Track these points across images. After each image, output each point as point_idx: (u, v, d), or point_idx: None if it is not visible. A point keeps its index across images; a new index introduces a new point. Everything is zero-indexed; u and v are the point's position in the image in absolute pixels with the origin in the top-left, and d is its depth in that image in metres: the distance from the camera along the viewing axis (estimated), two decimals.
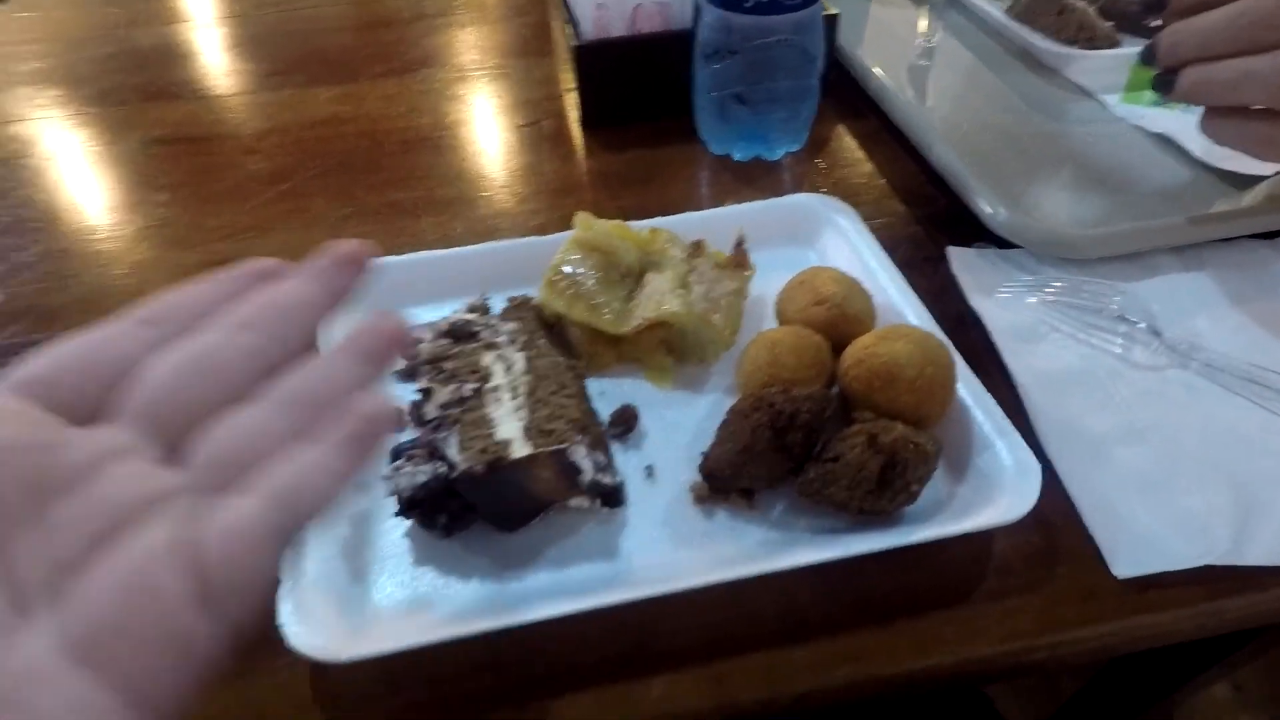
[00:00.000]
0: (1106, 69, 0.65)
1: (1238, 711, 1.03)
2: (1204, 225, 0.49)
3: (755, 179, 0.61)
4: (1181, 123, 0.58)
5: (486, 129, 0.70)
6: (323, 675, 0.33)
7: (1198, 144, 0.55)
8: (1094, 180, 0.54)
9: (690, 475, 0.39)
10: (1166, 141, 0.56)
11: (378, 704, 0.33)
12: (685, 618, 0.34)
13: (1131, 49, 0.66)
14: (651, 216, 0.51)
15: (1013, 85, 0.65)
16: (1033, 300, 0.47)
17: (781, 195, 0.54)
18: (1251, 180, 0.51)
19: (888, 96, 0.62)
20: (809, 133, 0.62)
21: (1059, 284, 0.47)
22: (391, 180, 0.64)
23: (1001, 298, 0.47)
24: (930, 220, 0.56)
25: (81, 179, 0.67)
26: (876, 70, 0.65)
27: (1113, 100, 0.62)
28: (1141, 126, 0.58)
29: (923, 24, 0.73)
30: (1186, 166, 0.54)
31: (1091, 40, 0.67)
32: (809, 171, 0.61)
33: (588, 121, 0.67)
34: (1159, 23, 0.67)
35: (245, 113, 0.74)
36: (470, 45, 0.84)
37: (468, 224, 0.59)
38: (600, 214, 0.49)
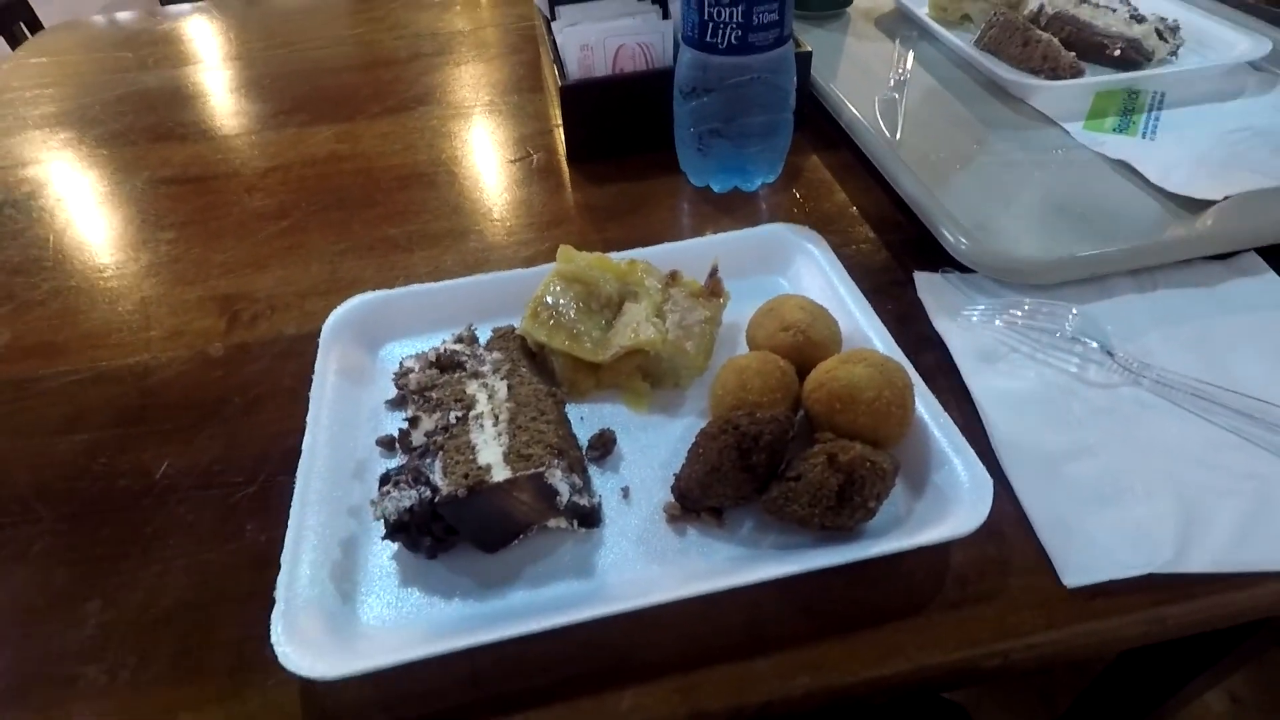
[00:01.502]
0: (1070, 98, 0.68)
1: None
2: (1156, 250, 0.52)
3: (733, 209, 0.63)
4: (1140, 149, 0.61)
5: (478, 164, 0.73)
6: (311, 692, 0.35)
7: (1154, 169, 0.57)
8: (1056, 206, 0.56)
9: (664, 495, 0.41)
10: (1125, 167, 0.59)
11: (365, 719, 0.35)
12: (657, 631, 0.36)
13: (1094, 78, 0.69)
14: (635, 246, 0.54)
15: (980, 115, 0.68)
16: (993, 322, 0.49)
17: (758, 225, 0.57)
18: (1204, 204, 0.54)
19: (859, 129, 0.65)
20: (784, 164, 0.65)
21: (1018, 306, 0.50)
22: (386, 215, 0.67)
23: (964, 320, 0.49)
24: (900, 247, 0.58)
25: (91, 218, 0.70)
26: (848, 104, 0.68)
27: (1075, 128, 0.64)
28: (1102, 153, 0.61)
29: (894, 57, 0.76)
30: (1143, 191, 0.56)
31: (1055, 70, 0.69)
32: (784, 201, 0.64)
33: (574, 157, 0.70)
34: (1119, 51, 0.70)
35: (248, 152, 0.78)
36: (465, 83, 0.88)
37: (458, 256, 0.61)
38: (586, 245, 0.51)
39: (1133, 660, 0.79)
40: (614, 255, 0.51)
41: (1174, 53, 0.71)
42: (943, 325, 0.49)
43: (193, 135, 0.81)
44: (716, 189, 0.65)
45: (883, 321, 0.47)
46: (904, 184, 0.58)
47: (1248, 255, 0.52)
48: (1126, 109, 0.67)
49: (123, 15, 1.14)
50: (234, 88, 0.91)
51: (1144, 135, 0.63)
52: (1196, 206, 0.54)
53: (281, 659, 0.33)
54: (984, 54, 0.73)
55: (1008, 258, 0.51)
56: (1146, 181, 0.57)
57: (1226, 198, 0.53)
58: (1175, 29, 0.72)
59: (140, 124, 0.84)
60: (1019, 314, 0.49)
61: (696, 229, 0.62)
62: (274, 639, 0.34)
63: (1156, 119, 0.65)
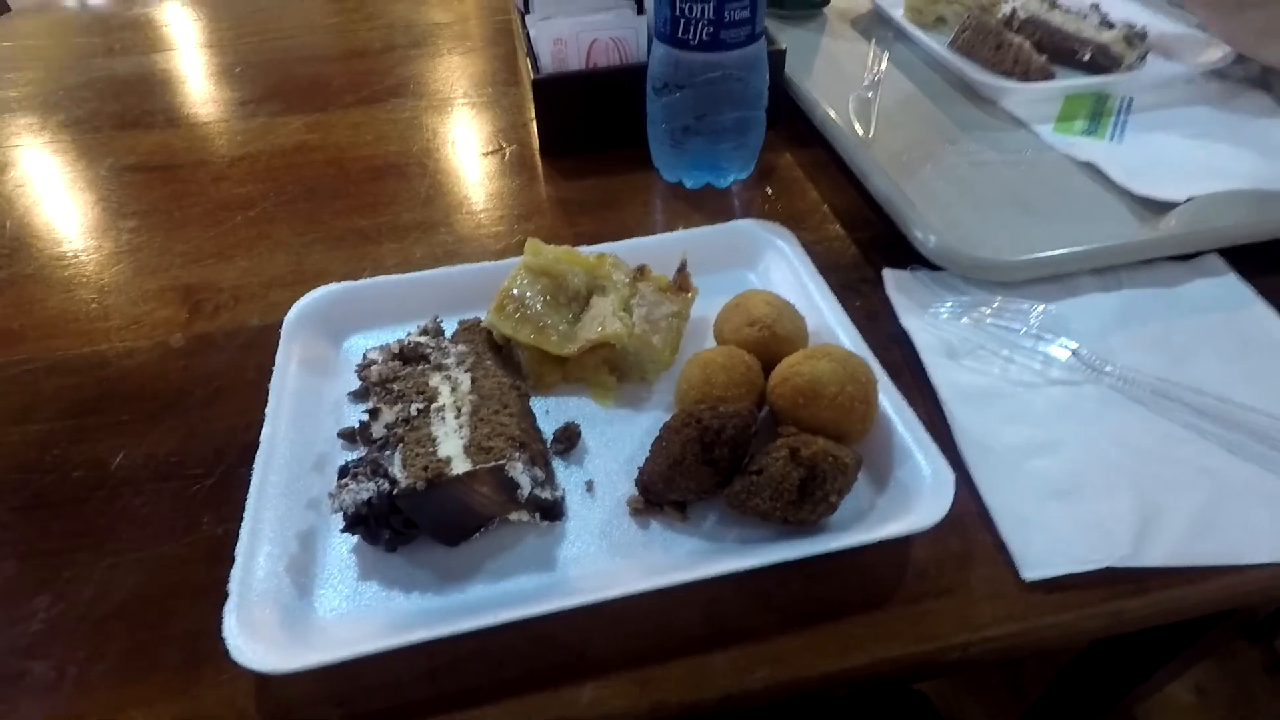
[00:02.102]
0: (1041, 100, 0.68)
1: (1201, 716, 1.05)
2: (1120, 251, 0.52)
3: (705, 205, 0.63)
4: (1107, 151, 0.61)
5: (451, 157, 0.73)
6: (265, 687, 0.35)
7: (1120, 171, 0.58)
8: (1023, 206, 0.57)
9: (628, 489, 0.41)
10: (1092, 169, 0.59)
11: (320, 714, 0.34)
12: (617, 626, 0.36)
13: (1065, 81, 0.70)
14: (607, 241, 0.53)
15: (952, 116, 0.68)
16: (960, 319, 0.49)
17: (729, 221, 0.57)
18: (1167, 206, 0.54)
19: (831, 127, 0.65)
20: (757, 161, 0.65)
21: (986, 304, 0.50)
22: (356, 207, 0.66)
23: (931, 317, 0.50)
24: (870, 244, 0.58)
25: (51, 205, 0.68)
26: (821, 102, 0.68)
27: (1045, 130, 0.65)
28: (1070, 155, 0.61)
29: (869, 57, 0.76)
30: (1109, 193, 0.57)
31: (1026, 73, 0.70)
32: (756, 198, 0.64)
33: (546, 151, 0.70)
34: (1089, 56, 0.71)
35: (217, 141, 0.76)
36: (440, 76, 0.87)
37: (428, 249, 0.61)
38: (558, 239, 0.51)
39: (1101, 651, 0.80)
40: (583, 249, 0.51)
41: (1142, 58, 0.72)
42: (910, 322, 0.49)
43: (159, 123, 0.79)
44: (689, 185, 0.65)
45: (851, 318, 0.47)
46: (874, 181, 0.58)
47: (1209, 257, 0.53)
48: (1095, 112, 0.67)
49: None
50: (203, 75, 0.89)
51: (1111, 138, 0.64)
52: (1160, 208, 0.55)
53: (232, 652, 0.33)
54: (958, 56, 0.74)
55: (975, 256, 0.52)
56: (1112, 183, 0.58)
57: (1189, 199, 0.54)
58: (1143, 36, 0.73)
59: (106, 110, 0.82)
60: (986, 311, 0.50)
61: (668, 224, 0.62)
62: (225, 632, 0.33)
63: (1124, 122, 0.66)
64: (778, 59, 0.68)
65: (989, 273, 0.52)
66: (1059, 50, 0.72)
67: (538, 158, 0.71)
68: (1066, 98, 0.69)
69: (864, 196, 0.61)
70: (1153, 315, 0.49)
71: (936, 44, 0.75)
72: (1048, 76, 0.70)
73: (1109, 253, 0.52)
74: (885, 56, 0.76)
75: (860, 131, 0.65)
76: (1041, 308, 0.49)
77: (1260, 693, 1.07)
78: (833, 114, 0.66)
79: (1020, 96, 0.68)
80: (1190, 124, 0.65)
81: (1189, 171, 0.58)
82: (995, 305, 0.50)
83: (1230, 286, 0.51)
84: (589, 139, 0.69)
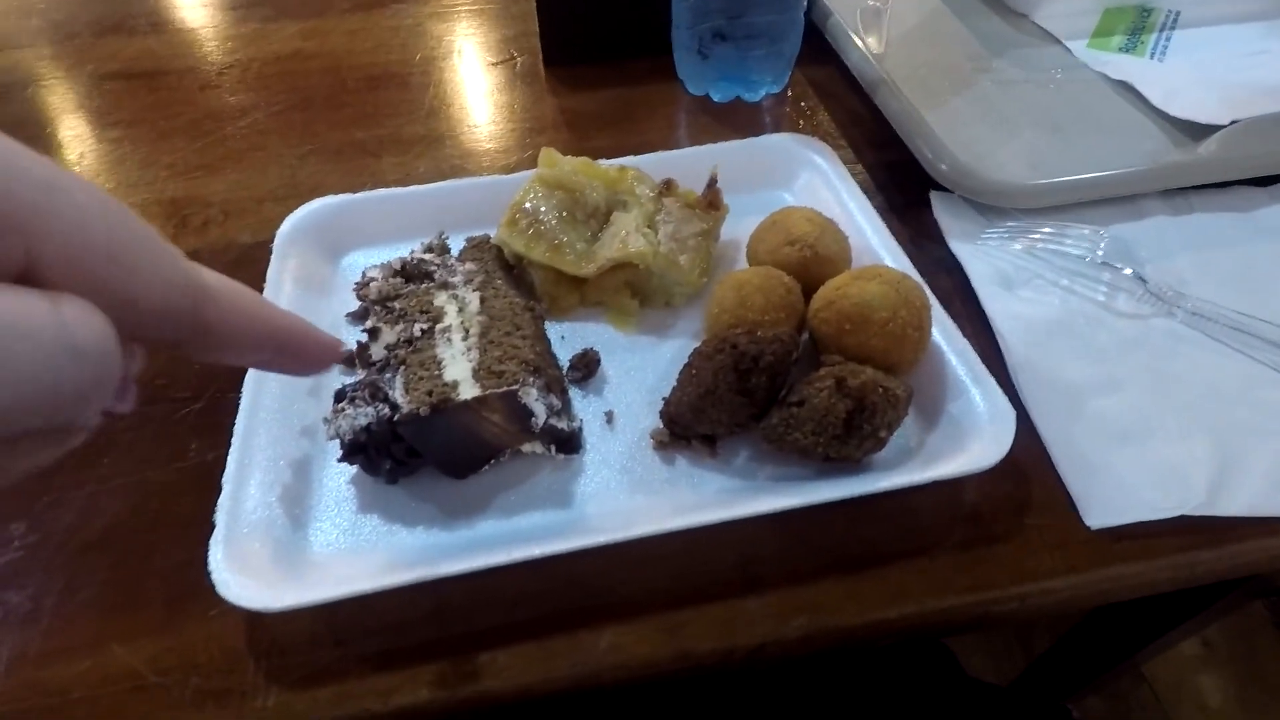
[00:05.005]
0: (1075, 13, 0.62)
1: (1206, 668, 1.04)
2: (1152, 176, 0.47)
3: (734, 121, 0.58)
4: (1145, 70, 0.55)
5: (457, 66, 0.67)
6: (257, 624, 0.32)
7: (1157, 92, 0.52)
8: (1050, 128, 0.51)
9: (652, 421, 0.37)
10: (1127, 89, 0.54)
11: (316, 655, 0.31)
12: (640, 567, 0.33)
13: None
14: (625, 157, 0.49)
15: (977, 31, 0.61)
16: (1016, 246, 0.45)
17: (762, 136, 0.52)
18: (1207, 130, 0.49)
19: (842, 39, 0.59)
20: (792, 73, 0.60)
21: (1044, 229, 0.45)
22: (354, 118, 0.61)
23: (984, 243, 0.45)
24: (915, 165, 0.53)
25: (28, 116, 0.63)
26: (834, 12, 0.61)
27: (1078, 46, 0.59)
28: (1104, 73, 0.55)
29: None
30: (1144, 114, 0.51)
31: None
32: (791, 113, 0.59)
33: (552, 59, 0.64)
34: None
35: (205, 47, 0.71)
36: None
37: (432, 163, 0.56)
38: (572, 154, 0.46)
39: (1113, 609, 0.78)
40: (603, 162, 0.46)
41: None
42: (960, 248, 0.45)
43: (143, 28, 0.74)
44: (717, 98, 0.59)
45: (896, 242, 0.43)
46: (881, 97, 0.53)
47: None
48: (1136, 27, 0.61)
49: None
50: None
51: (1152, 55, 0.58)
52: (1200, 132, 0.49)
53: (219, 587, 0.30)
54: None
55: (990, 180, 0.46)
56: (1149, 104, 0.52)
57: (1234, 122, 0.49)
58: None
59: (86, 15, 0.76)
60: (1044, 237, 0.45)
61: (693, 141, 0.56)
62: (212, 565, 0.30)
63: (1168, 39, 0.60)
64: None
65: (1005, 198, 0.46)
66: None
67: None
68: (1105, 10, 0.62)
69: None
70: (1230, 243, 0.45)
71: None
72: None
73: (1138, 178, 0.47)
74: None
75: (873, 45, 0.58)
76: (1106, 233, 0.45)
77: (1265, 648, 1.06)
78: (845, 25, 0.60)
79: (1053, 9, 0.62)
80: (1243, 41, 0.59)
81: (1236, 91, 0.52)
82: (1054, 231, 0.45)
83: None
84: (603, 46, 0.63)
